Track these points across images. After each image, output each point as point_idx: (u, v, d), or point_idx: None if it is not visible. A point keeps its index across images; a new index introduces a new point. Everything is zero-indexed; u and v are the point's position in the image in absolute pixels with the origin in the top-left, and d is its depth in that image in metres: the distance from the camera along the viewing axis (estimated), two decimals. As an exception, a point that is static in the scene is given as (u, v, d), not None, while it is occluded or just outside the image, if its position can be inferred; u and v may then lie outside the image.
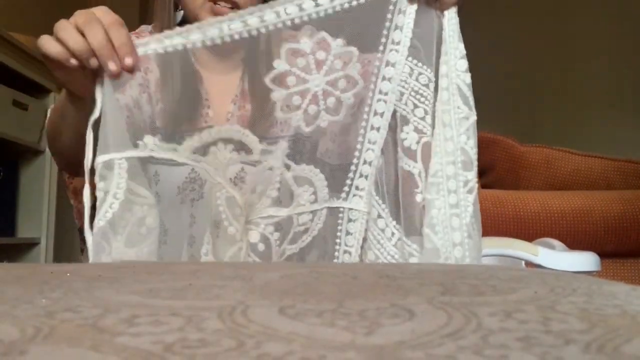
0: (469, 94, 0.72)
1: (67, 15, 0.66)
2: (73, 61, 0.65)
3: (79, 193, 0.92)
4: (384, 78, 0.74)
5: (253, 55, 0.80)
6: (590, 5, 3.57)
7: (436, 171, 0.72)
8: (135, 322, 0.26)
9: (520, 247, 0.92)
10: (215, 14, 0.86)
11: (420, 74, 0.74)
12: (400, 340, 0.24)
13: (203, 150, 0.73)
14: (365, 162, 0.76)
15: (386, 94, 0.74)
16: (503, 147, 1.87)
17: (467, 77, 0.72)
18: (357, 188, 0.77)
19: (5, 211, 2.21)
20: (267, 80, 0.73)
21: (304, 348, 0.23)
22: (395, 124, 0.75)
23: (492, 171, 1.91)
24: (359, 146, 0.76)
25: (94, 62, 0.65)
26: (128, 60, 0.66)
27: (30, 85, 2.12)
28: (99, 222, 0.65)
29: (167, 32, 0.69)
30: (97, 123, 0.66)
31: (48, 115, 0.90)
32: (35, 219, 2.28)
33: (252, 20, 0.68)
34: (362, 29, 0.74)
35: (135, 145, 0.70)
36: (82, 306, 0.29)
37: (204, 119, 0.84)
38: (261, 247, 0.75)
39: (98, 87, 0.66)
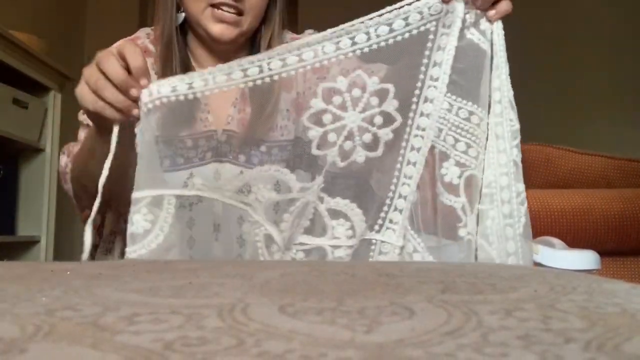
0: (514, 105, 0.73)
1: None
2: (112, 113, 0.68)
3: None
4: (422, 114, 0.75)
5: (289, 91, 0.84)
6: (590, 4, 3.56)
7: (490, 182, 0.73)
8: (135, 321, 0.26)
9: (520, 245, 0.92)
10: (218, 19, 0.86)
11: (460, 108, 0.74)
12: (400, 339, 0.24)
13: (245, 189, 0.77)
14: (400, 196, 0.77)
15: (424, 129, 0.75)
16: (503, 146, 1.87)
17: (511, 90, 0.74)
18: (390, 221, 0.77)
19: (5, 209, 2.21)
20: (305, 119, 0.75)
21: (304, 346, 0.23)
22: (433, 159, 0.76)
23: (492, 170, 1.91)
24: (394, 180, 0.77)
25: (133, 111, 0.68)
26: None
27: (31, 83, 2.11)
28: (141, 250, 0.68)
29: (207, 71, 0.71)
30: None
31: (65, 162, 0.91)
32: (35, 217, 2.28)
33: (290, 59, 0.70)
34: (399, 67, 0.75)
35: (185, 185, 0.76)
36: (82, 304, 0.29)
37: (204, 123, 0.84)
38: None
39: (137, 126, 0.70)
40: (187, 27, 0.94)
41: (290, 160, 0.83)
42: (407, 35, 0.71)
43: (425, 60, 0.74)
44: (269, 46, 0.93)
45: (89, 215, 0.91)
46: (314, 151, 0.76)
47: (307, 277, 0.38)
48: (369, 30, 0.71)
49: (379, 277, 0.38)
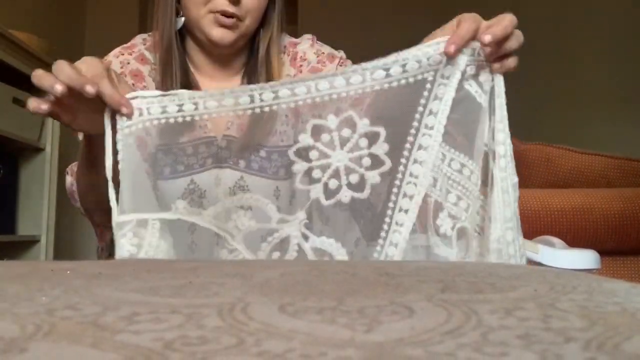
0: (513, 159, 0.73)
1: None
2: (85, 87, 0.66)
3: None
4: (415, 161, 0.74)
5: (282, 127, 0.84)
6: (590, 3, 3.56)
7: (498, 237, 0.71)
8: (135, 320, 0.26)
9: (520, 245, 0.92)
10: (218, 23, 0.86)
11: (452, 159, 0.74)
12: (399, 338, 0.24)
13: (225, 215, 0.76)
14: (391, 244, 0.75)
15: (417, 177, 0.74)
16: (503, 145, 1.87)
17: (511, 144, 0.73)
18: None
19: (6, 209, 2.21)
20: (291, 152, 0.75)
21: (304, 345, 0.23)
22: (427, 209, 0.75)
23: (492, 169, 1.91)
24: (385, 227, 0.75)
25: (89, 90, 0.66)
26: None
27: (30, 82, 2.12)
28: None
29: (198, 94, 0.73)
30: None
31: (70, 181, 0.91)
32: (35, 216, 2.28)
33: (282, 92, 0.71)
34: (393, 112, 0.74)
35: (168, 208, 0.75)
36: (82, 304, 0.29)
37: (203, 130, 0.83)
38: None
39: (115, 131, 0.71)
40: (185, 32, 0.94)
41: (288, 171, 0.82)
42: (403, 82, 0.71)
43: (420, 108, 0.73)
44: (268, 49, 0.93)
45: (104, 231, 0.91)
46: (297, 185, 0.75)
47: (307, 276, 0.38)
48: (365, 73, 0.71)
49: (379, 277, 0.38)
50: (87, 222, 0.93)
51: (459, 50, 0.70)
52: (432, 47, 0.71)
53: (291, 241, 0.76)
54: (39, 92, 0.67)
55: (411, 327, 0.25)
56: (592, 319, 0.26)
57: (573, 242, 1.12)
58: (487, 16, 0.74)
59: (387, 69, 0.71)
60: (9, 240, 2.16)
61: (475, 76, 0.72)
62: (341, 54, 0.99)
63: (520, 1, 3.72)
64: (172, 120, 0.71)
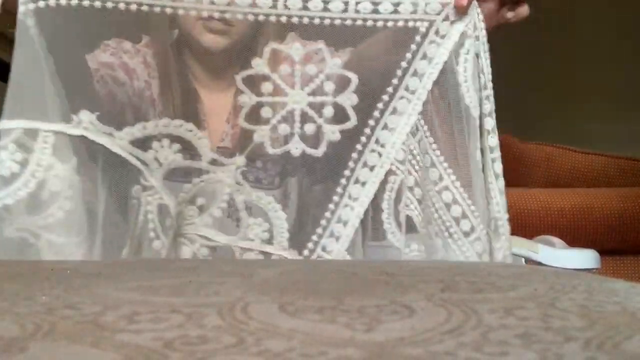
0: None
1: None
2: None
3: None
4: (385, 126, 0.63)
5: (241, 41, 0.69)
6: (590, 3, 3.56)
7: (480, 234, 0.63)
8: (135, 319, 0.26)
9: (520, 244, 0.92)
10: (208, 29, 0.81)
11: (422, 138, 0.63)
12: (400, 337, 0.24)
13: (144, 143, 0.62)
14: (339, 221, 0.63)
15: (383, 145, 0.63)
16: (503, 145, 1.86)
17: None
18: (324, 249, 0.63)
19: (6, 208, 2.20)
20: (238, 78, 0.63)
21: (304, 344, 0.23)
22: (391, 189, 0.63)
23: (492, 169, 1.91)
24: (335, 197, 0.63)
25: None
26: None
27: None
28: (6, 198, 0.57)
29: None
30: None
31: None
32: (36, 216, 2.28)
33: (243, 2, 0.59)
34: (371, 58, 0.64)
35: (67, 120, 0.59)
36: (82, 303, 0.29)
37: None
38: None
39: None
40: (181, 44, 0.92)
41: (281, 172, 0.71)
42: (390, 23, 0.60)
43: (404, 64, 0.62)
44: None
45: None
46: (241, 122, 0.63)
47: (307, 275, 0.38)
48: (349, 0, 0.59)
49: (379, 276, 0.38)
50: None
51: (470, 4, 0.60)
52: None
53: (222, 190, 0.64)
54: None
55: (411, 327, 0.25)
56: (592, 319, 0.26)
57: (573, 241, 1.13)
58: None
59: (375, 3, 0.59)
60: (9, 239, 2.16)
61: (463, 44, 0.62)
62: None
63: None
64: (86, 3, 0.57)
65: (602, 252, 0.97)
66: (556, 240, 0.99)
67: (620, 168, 1.81)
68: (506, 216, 0.63)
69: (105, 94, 0.68)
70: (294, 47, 0.61)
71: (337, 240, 0.63)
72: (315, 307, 0.28)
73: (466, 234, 0.63)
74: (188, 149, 0.63)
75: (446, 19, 0.61)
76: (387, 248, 0.64)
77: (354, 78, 0.62)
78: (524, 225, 1.53)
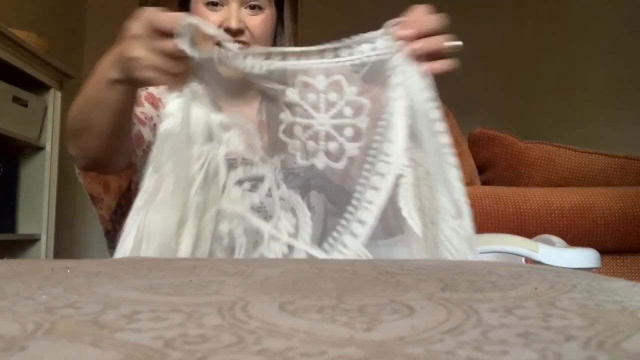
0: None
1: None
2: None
3: (110, 189, 0.88)
4: (388, 140, 0.71)
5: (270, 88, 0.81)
6: (591, 3, 3.56)
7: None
8: (135, 318, 0.26)
9: (520, 243, 0.92)
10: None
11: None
12: (399, 336, 0.24)
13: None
14: (359, 221, 0.70)
15: (388, 155, 0.70)
16: (503, 144, 1.87)
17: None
18: (344, 245, 0.70)
19: (6, 207, 2.21)
20: (282, 102, 0.75)
21: (304, 344, 0.23)
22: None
23: (492, 168, 1.91)
24: (354, 202, 0.71)
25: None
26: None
27: (30, 81, 2.11)
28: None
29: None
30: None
31: (72, 111, 0.83)
32: (36, 215, 2.28)
33: (276, 65, 0.71)
34: (374, 85, 0.72)
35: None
36: (82, 302, 0.29)
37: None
38: (225, 241, 0.73)
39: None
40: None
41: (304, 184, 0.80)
42: (374, 58, 0.70)
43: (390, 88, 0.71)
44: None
45: (89, 176, 0.84)
46: (280, 134, 0.75)
47: (307, 274, 0.38)
48: (353, 46, 0.70)
49: (379, 275, 0.38)
50: (87, 221, 0.92)
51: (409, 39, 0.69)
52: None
53: (265, 181, 0.76)
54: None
55: (411, 326, 0.25)
56: (592, 318, 0.26)
57: (573, 240, 1.13)
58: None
59: (372, 42, 0.70)
60: (9, 239, 2.16)
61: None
62: None
63: (521, 1, 3.72)
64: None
65: (602, 252, 0.97)
66: (556, 239, 0.99)
67: (620, 167, 1.81)
68: (467, 200, 0.69)
69: None
70: (318, 79, 0.72)
71: (355, 239, 0.70)
72: (315, 306, 0.28)
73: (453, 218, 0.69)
74: (248, 140, 0.75)
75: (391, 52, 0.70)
76: (392, 247, 0.73)
77: (366, 104, 0.73)
78: (524, 224, 1.54)
